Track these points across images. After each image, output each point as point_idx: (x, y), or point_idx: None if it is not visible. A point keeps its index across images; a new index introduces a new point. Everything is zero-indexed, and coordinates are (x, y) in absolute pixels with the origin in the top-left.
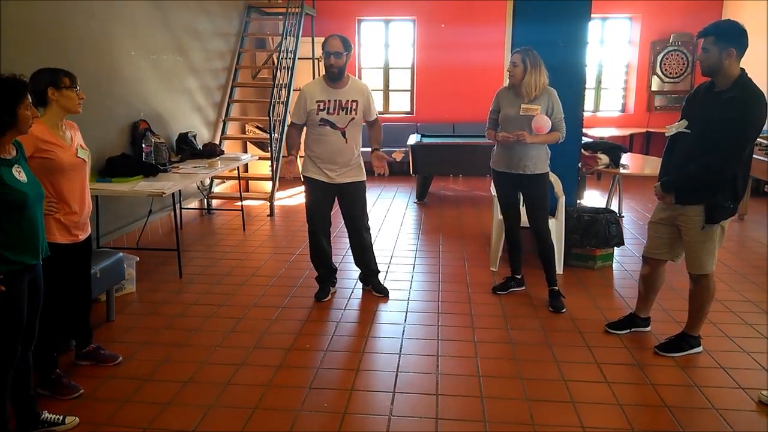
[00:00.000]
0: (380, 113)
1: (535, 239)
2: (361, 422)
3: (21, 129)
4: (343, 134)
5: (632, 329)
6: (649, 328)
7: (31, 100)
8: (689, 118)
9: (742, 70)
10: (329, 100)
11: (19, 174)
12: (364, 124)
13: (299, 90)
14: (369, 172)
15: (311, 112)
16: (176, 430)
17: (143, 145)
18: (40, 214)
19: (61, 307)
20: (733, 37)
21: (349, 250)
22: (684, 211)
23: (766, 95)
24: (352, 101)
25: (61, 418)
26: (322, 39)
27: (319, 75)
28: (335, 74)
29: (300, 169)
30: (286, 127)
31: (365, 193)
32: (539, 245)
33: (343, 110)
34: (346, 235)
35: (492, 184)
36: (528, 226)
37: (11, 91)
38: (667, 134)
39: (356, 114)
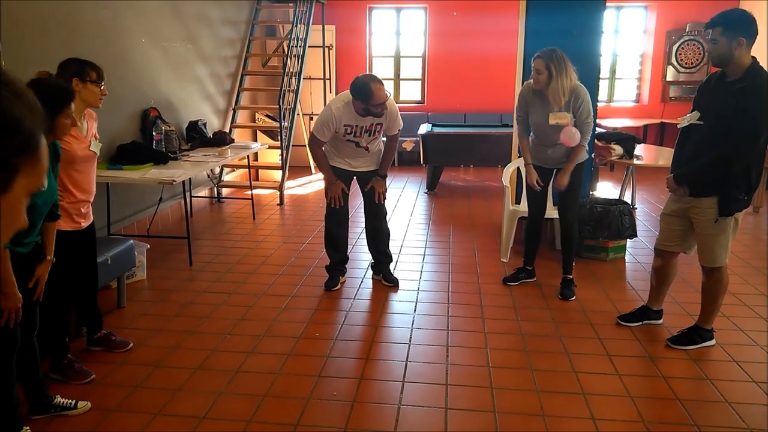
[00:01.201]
0: None
1: (561, 228)
2: (370, 411)
3: (57, 136)
4: (366, 149)
5: (644, 322)
6: (661, 321)
7: (73, 109)
8: (701, 109)
9: (754, 58)
10: (356, 125)
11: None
12: None
13: (311, 83)
14: None
15: (337, 131)
16: (186, 416)
17: (154, 133)
18: (44, 215)
19: (69, 294)
20: (742, 26)
21: (359, 240)
22: (697, 203)
23: None
24: (377, 124)
25: (73, 402)
26: (333, 27)
27: (330, 63)
28: (382, 115)
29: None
30: (311, 141)
31: (384, 180)
32: (564, 234)
33: (367, 132)
34: (357, 224)
35: (503, 173)
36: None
37: (56, 99)
38: (679, 126)
39: (379, 134)
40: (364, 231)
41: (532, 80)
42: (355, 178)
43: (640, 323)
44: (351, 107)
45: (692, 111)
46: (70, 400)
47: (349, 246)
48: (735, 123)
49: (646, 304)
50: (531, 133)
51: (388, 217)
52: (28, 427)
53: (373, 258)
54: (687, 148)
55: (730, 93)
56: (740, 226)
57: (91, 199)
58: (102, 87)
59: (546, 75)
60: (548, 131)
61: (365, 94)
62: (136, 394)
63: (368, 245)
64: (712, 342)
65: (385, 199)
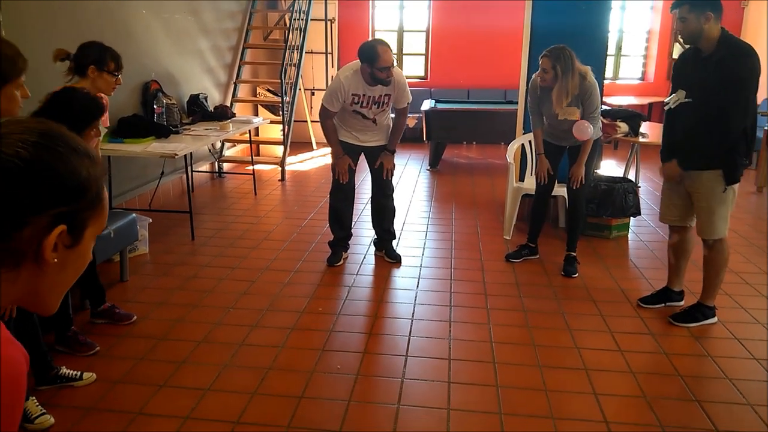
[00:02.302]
0: None
1: (569, 203)
2: (374, 384)
3: None
4: (374, 121)
5: (666, 304)
6: (683, 302)
7: (98, 123)
8: (685, 87)
9: (722, 29)
10: (363, 95)
11: None
12: None
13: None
14: None
15: (345, 101)
16: (192, 387)
17: (155, 106)
18: None
19: None
20: (708, 1)
21: (361, 216)
22: (698, 177)
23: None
24: (385, 95)
25: (78, 374)
26: (336, 1)
27: (333, 37)
28: (389, 83)
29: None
30: (321, 114)
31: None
32: (571, 210)
33: (375, 104)
34: (359, 200)
35: (508, 150)
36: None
37: (87, 113)
38: (667, 108)
39: (387, 106)
40: (369, 207)
41: (539, 80)
42: (363, 153)
43: (663, 305)
44: (359, 75)
45: (673, 90)
46: (75, 372)
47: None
48: (723, 95)
49: (667, 285)
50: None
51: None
52: (34, 398)
53: (376, 234)
54: (679, 126)
55: (708, 67)
56: (743, 205)
57: None
58: (118, 77)
59: (552, 75)
60: (562, 123)
61: (371, 55)
62: (140, 366)
63: (373, 222)
64: (714, 320)
65: (392, 175)
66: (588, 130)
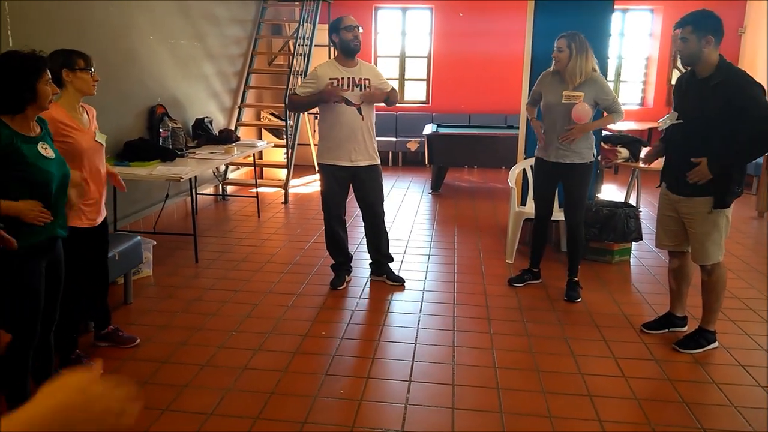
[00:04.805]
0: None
1: (568, 229)
2: (377, 409)
3: (41, 104)
4: (359, 110)
5: (670, 329)
6: (686, 328)
7: (50, 76)
8: (680, 110)
9: (721, 55)
10: (342, 78)
11: (46, 150)
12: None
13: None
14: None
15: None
16: (194, 412)
17: (161, 130)
18: (65, 192)
19: (81, 290)
20: (711, 25)
21: (362, 239)
22: (689, 203)
23: None
24: (365, 79)
25: None
26: None
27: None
28: (357, 48)
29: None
30: (289, 99)
31: (381, 178)
32: (570, 235)
33: (357, 87)
34: (360, 223)
35: (510, 174)
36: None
37: (30, 66)
38: (660, 128)
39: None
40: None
41: (552, 63)
42: (350, 182)
43: (666, 330)
44: (334, 62)
45: (672, 112)
46: None
47: (351, 245)
48: (730, 115)
49: (669, 310)
50: (541, 121)
51: (392, 218)
52: None
53: (373, 260)
54: (672, 146)
55: (707, 90)
56: (744, 230)
57: (104, 193)
58: (93, 73)
59: (567, 53)
60: (560, 114)
61: (336, 22)
62: (143, 390)
63: (368, 248)
64: (716, 344)
65: (371, 91)
66: (588, 114)
